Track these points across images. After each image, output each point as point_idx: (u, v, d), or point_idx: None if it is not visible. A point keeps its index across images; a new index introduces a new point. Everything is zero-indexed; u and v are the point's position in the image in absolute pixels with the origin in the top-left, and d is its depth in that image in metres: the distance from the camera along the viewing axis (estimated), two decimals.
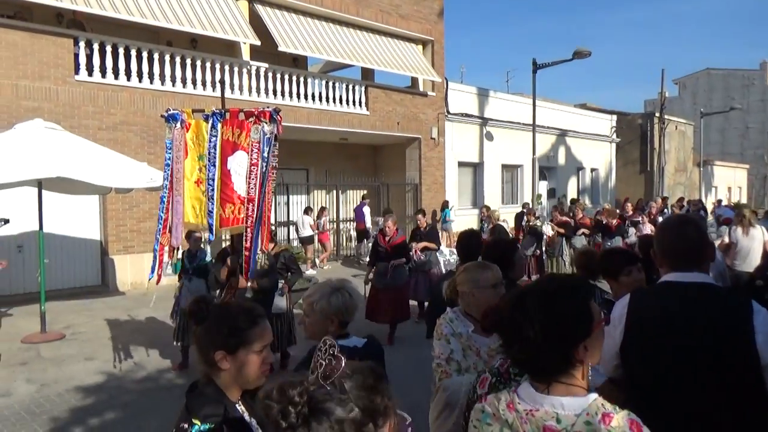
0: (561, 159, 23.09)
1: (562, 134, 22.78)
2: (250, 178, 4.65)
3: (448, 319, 2.54)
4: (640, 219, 12.87)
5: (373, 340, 2.43)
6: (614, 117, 26.67)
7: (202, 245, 6.78)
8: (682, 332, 1.92)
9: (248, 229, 4.59)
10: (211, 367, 1.69)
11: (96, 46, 10.91)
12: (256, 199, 4.61)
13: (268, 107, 4.90)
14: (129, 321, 8.68)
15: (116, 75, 11.15)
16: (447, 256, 11.05)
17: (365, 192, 16.78)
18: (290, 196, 14.78)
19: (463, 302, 2.56)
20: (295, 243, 14.33)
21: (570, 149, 23.47)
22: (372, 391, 1.08)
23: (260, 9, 13.41)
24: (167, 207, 5.10)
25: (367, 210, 15.52)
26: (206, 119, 4.97)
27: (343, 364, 1.09)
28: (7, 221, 7.46)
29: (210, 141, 4.88)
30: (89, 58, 10.89)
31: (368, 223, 15.29)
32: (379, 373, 1.14)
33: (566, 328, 1.38)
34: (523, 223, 12.26)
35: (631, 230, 12.80)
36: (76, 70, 10.63)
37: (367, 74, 17.64)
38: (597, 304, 1.52)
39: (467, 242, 3.80)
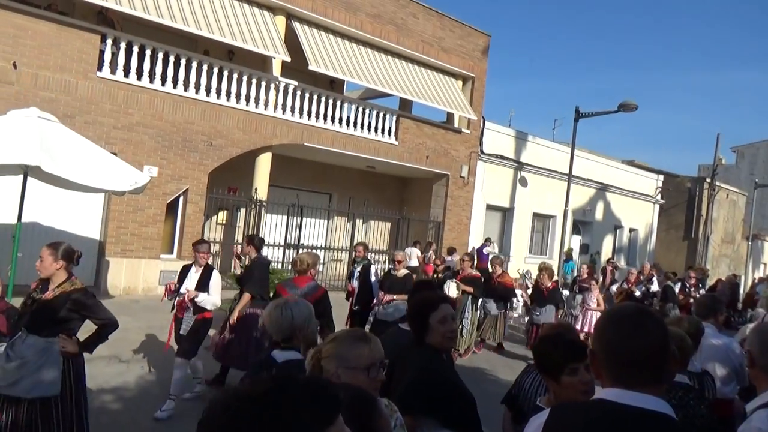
0: (598, 214, 22.02)
1: (602, 188, 21.76)
2: None
3: None
4: (589, 285, 10.03)
5: None
6: (661, 177, 25.45)
7: None
8: None
9: None
10: None
11: (123, 45, 10.80)
12: None
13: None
14: None
15: (139, 76, 11.02)
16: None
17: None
18: (305, 219, 14.30)
19: None
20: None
21: (609, 205, 22.39)
22: None
23: (297, 26, 13.22)
24: None
25: (487, 251, 15.48)
26: None
27: None
28: None
29: None
30: (114, 56, 10.80)
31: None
32: None
33: None
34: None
35: (578, 297, 10.38)
36: (99, 67, 10.53)
37: (405, 105, 17.25)
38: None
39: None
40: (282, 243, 13.70)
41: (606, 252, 22.18)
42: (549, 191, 19.18)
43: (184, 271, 5.79)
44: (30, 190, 7.78)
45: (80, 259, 3.76)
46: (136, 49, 10.95)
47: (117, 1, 10.32)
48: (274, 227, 13.39)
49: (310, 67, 12.88)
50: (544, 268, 9.16)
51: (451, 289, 8.35)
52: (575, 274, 14.16)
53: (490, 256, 15.81)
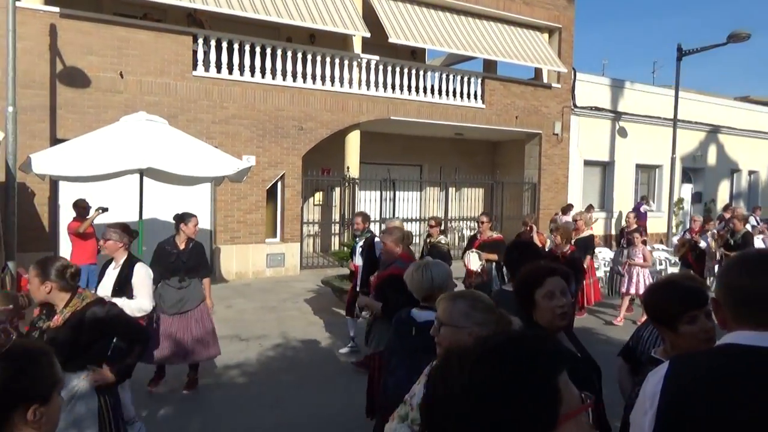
0: (711, 159, 20.36)
1: (714, 131, 20.04)
2: None
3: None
4: (633, 238, 8.49)
5: None
6: None
7: None
8: (752, 430, 1.18)
9: None
10: None
11: (213, 43, 11.34)
12: None
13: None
14: (224, 311, 8.88)
15: (230, 70, 11.54)
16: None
17: (642, 194, 17.88)
18: (398, 192, 14.44)
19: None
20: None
21: (722, 148, 20.61)
22: None
23: (374, 1, 13.18)
24: None
25: (644, 209, 16.46)
26: None
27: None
28: (105, 210, 7.89)
29: None
30: (206, 54, 11.36)
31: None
32: None
33: (500, 415, 0.86)
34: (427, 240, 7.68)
35: (626, 253, 8.76)
36: (194, 66, 11.14)
37: (490, 66, 16.79)
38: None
39: (510, 255, 3.14)
40: (377, 218, 13.95)
41: (722, 199, 20.53)
42: (652, 139, 17.99)
43: (104, 269, 4.51)
44: (145, 189, 8.50)
45: (78, 276, 2.86)
46: (225, 45, 11.46)
47: (204, 1, 10.81)
48: (368, 203, 13.65)
49: (390, 40, 12.84)
50: (556, 228, 7.30)
51: (473, 260, 6.97)
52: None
53: (648, 215, 16.01)
